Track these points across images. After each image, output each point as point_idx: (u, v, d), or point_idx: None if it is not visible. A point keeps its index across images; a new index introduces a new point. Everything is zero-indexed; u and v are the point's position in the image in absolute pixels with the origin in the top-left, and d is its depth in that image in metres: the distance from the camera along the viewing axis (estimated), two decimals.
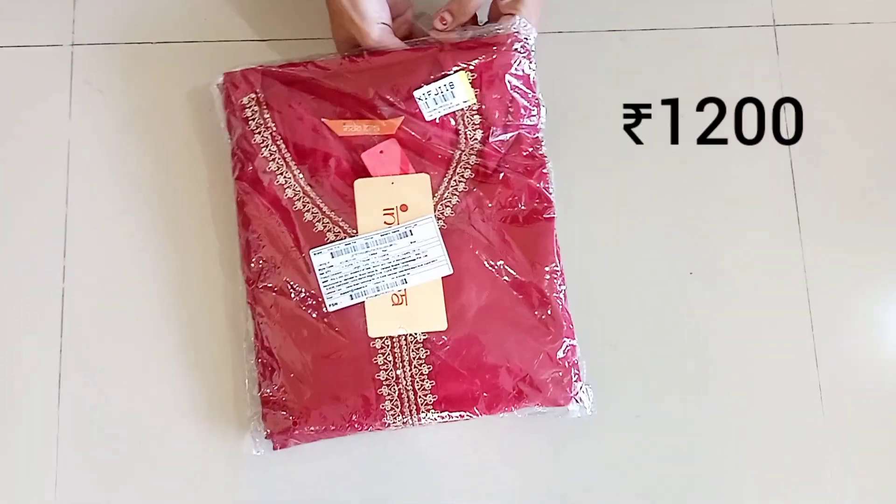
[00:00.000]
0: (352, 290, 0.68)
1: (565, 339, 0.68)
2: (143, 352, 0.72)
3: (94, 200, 0.74)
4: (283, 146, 0.71)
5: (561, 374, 0.68)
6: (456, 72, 0.71)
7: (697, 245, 0.74)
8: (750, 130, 0.77)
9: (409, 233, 0.69)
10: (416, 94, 0.71)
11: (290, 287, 0.68)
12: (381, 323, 0.68)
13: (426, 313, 0.68)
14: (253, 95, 0.71)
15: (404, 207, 0.70)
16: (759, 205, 0.75)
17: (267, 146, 0.71)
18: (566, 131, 0.76)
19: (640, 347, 0.72)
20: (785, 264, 0.74)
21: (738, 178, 0.76)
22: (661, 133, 0.77)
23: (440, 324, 0.68)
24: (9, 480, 0.70)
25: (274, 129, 0.71)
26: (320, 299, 0.68)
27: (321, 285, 0.68)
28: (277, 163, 0.70)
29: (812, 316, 0.73)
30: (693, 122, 0.77)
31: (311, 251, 0.69)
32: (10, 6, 0.77)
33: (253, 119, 0.71)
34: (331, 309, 0.68)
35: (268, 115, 0.71)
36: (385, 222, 0.69)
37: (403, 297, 0.68)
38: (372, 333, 0.68)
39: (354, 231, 0.69)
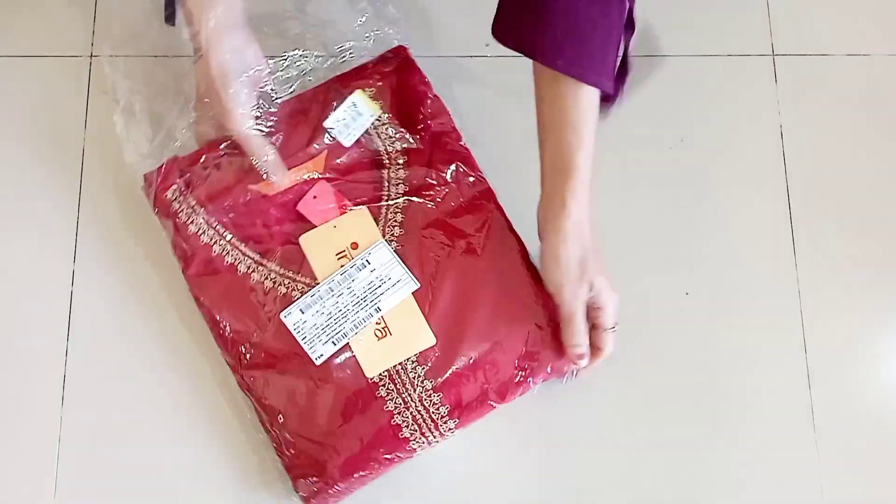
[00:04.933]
0: (332, 337, 0.68)
1: (542, 306, 0.68)
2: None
3: (106, 210, 0.76)
4: (220, 228, 0.70)
5: (552, 337, 0.68)
6: (352, 93, 0.72)
7: (694, 265, 0.75)
8: (747, 157, 0.78)
9: (366, 263, 0.69)
10: (327, 124, 0.71)
11: (273, 357, 0.68)
12: (375, 361, 0.68)
13: (412, 335, 0.68)
14: (175, 186, 0.70)
15: (355, 245, 0.70)
16: (755, 229, 0.76)
17: (204, 232, 0.70)
18: None
19: (638, 363, 0.73)
20: (780, 288, 0.75)
21: (735, 199, 0.77)
22: (660, 156, 0.78)
23: (428, 339, 0.68)
24: None
25: (205, 213, 0.70)
26: (306, 357, 0.67)
27: (301, 343, 0.67)
28: (221, 245, 0.70)
29: (805, 336, 0.74)
30: (690, 146, 0.78)
31: (281, 315, 0.68)
32: (30, 18, 0.80)
33: (182, 211, 0.70)
34: (318, 362, 0.67)
35: (194, 202, 0.70)
36: (341, 265, 0.69)
37: (386, 330, 0.68)
38: (370, 374, 0.67)
39: (316, 282, 0.69)
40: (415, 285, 0.69)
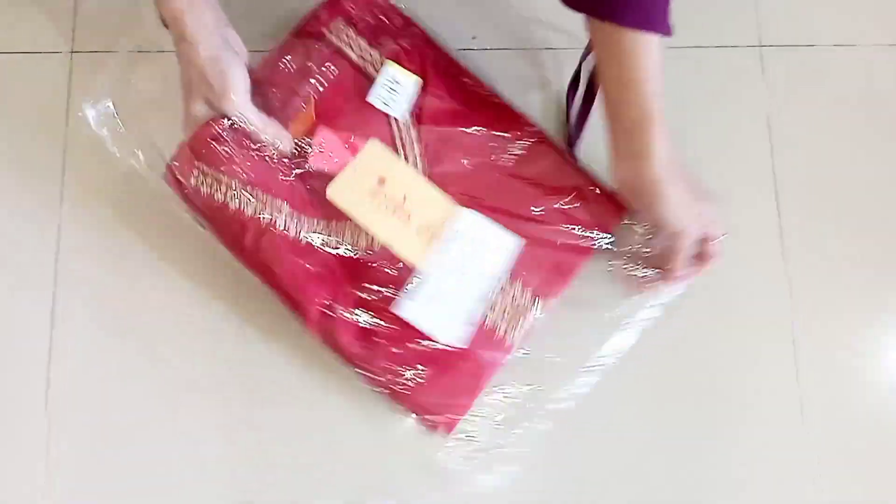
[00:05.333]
0: (466, 319, 0.68)
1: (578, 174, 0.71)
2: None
3: (88, 206, 0.75)
4: (262, 195, 0.69)
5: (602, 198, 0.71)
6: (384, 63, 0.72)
7: None
8: (733, 149, 0.78)
9: (456, 234, 0.69)
10: (370, 100, 0.71)
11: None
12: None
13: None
14: (196, 171, 0.69)
15: (382, 180, 0.70)
16: (743, 226, 0.75)
17: (248, 203, 0.68)
18: None
19: (637, 363, 0.72)
20: (771, 287, 0.75)
21: (721, 196, 0.76)
22: None
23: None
24: None
25: (240, 186, 0.68)
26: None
27: (431, 332, 0.68)
28: (269, 212, 0.68)
29: (795, 335, 0.74)
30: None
31: (393, 309, 0.68)
32: (11, 13, 0.79)
33: (217, 192, 0.68)
34: (462, 345, 0.68)
35: (224, 178, 0.68)
36: (377, 204, 0.69)
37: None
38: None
39: (359, 231, 0.69)
40: (515, 241, 0.70)
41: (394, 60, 0.72)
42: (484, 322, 0.68)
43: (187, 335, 0.73)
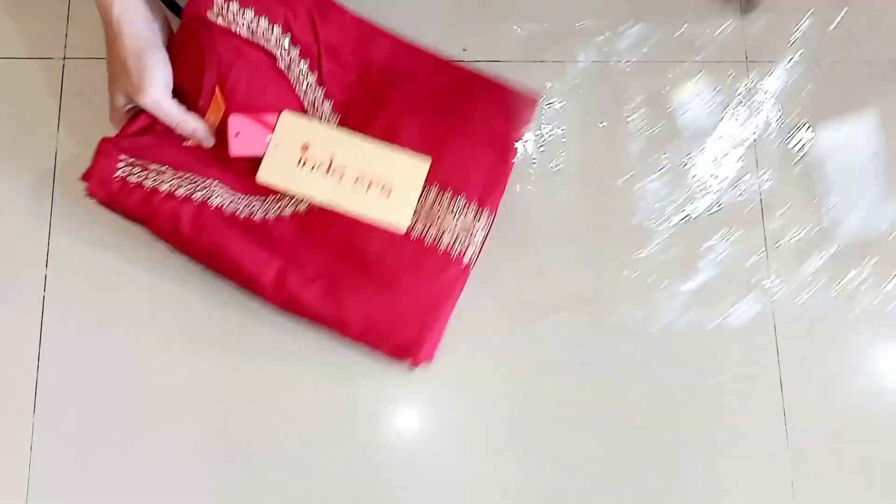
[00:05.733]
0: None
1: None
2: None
3: (78, 215, 0.75)
4: (197, 178, 0.69)
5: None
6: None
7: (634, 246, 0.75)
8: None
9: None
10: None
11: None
12: (401, 215, 0.70)
13: (408, 170, 0.71)
14: (122, 164, 0.69)
15: (305, 146, 0.70)
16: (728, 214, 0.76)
17: (183, 187, 0.69)
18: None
19: (611, 366, 0.73)
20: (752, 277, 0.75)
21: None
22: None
23: (422, 162, 0.71)
24: None
25: (172, 172, 0.69)
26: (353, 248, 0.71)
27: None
28: (207, 193, 0.69)
29: (777, 329, 0.74)
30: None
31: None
32: (4, 20, 0.79)
33: (148, 178, 0.69)
34: None
35: (153, 165, 0.69)
36: (309, 168, 0.70)
37: (387, 185, 0.70)
38: (405, 224, 0.70)
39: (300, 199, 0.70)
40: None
41: (282, 27, 0.71)
42: (437, 247, 0.69)
43: (174, 333, 0.73)
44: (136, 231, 0.73)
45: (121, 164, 0.68)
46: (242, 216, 0.69)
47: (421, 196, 0.70)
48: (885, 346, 0.74)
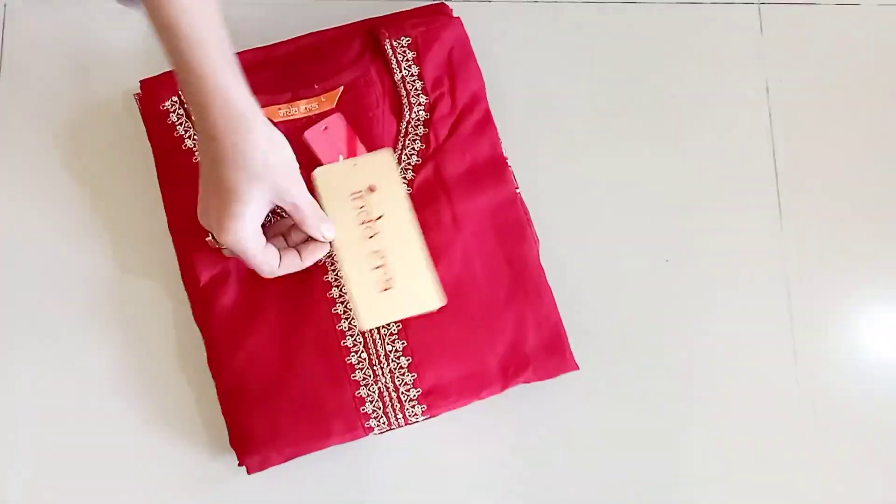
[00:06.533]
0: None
1: (544, 299, 0.65)
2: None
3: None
4: None
5: (549, 339, 0.65)
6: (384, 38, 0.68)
7: (675, 233, 0.71)
8: (730, 115, 0.73)
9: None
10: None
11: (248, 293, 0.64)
12: (373, 313, 0.62)
13: (418, 293, 0.63)
14: (175, 98, 0.66)
15: (372, 188, 0.65)
16: (740, 190, 0.72)
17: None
18: (538, 107, 0.72)
19: (614, 337, 0.69)
20: (765, 255, 0.71)
21: (717, 158, 0.73)
22: (641, 113, 0.73)
23: (434, 300, 0.63)
24: None
25: None
26: (289, 292, 0.64)
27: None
28: None
29: (791, 309, 0.70)
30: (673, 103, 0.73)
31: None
32: None
33: (180, 123, 0.66)
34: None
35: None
36: (355, 206, 0.64)
37: (391, 281, 0.63)
38: (364, 327, 0.63)
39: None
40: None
41: (432, 104, 0.68)
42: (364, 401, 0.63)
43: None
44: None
45: (172, 102, 0.66)
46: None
47: (384, 335, 0.64)
48: None
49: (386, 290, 0.63)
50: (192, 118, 0.64)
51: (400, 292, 0.63)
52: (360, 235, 0.64)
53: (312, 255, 0.62)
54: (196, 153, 0.65)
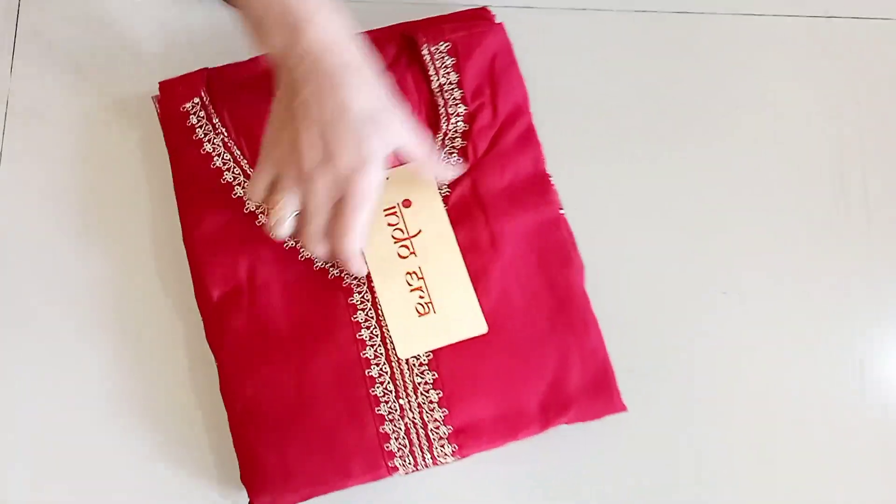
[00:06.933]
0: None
1: (590, 332, 0.60)
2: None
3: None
4: (239, 154, 0.61)
5: (595, 376, 0.59)
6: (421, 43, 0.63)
7: (727, 261, 0.65)
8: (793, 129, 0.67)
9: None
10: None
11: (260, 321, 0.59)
12: (412, 340, 0.57)
13: (460, 317, 0.58)
14: (197, 100, 0.62)
15: (407, 203, 0.60)
16: (805, 209, 0.66)
17: (220, 155, 0.61)
18: (578, 119, 0.67)
19: (662, 374, 0.63)
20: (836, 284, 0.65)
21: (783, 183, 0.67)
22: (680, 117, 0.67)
23: (479, 326, 0.58)
24: None
25: (226, 135, 0.61)
26: (308, 325, 0.59)
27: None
28: (234, 173, 0.60)
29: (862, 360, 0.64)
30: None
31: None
32: None
33: (200, 126, 0.61)
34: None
35: (217, 120, 0.61)
36: (388, 223, 0.59)
37: (430, 305, 0.58)
38: (403, 355, 0.58)
39: None
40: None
41: (471, 114, 0.62)
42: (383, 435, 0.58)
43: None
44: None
45: (195, 100, 0.62)
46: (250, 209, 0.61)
47: (414, 367, 0.58)
48: None
49: (424, 314, 0.58)
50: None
51: (441, 316, 0.58)
52: (395, 254, 0.59)
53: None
54: (214, 157, 0.61)
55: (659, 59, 0.68)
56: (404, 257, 0.59)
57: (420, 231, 0.59)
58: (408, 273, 0.58)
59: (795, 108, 0.68)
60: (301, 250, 0.60)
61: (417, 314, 0.58)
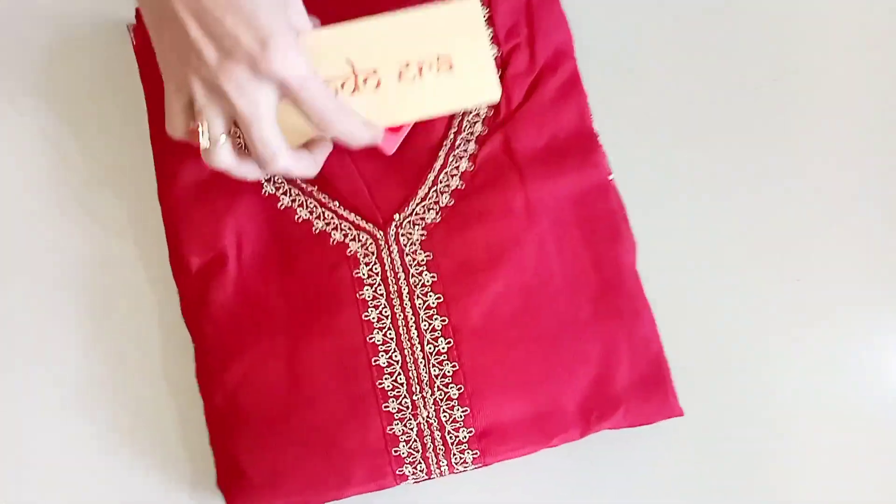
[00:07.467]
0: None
1: (643, 319, 0.52)
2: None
3: None
4: None
5: (647, 373, 0.51)
6: None
7: (803, 244, 0.56)
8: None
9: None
10: None
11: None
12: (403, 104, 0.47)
13: (475, 80, 0.47)
14: None
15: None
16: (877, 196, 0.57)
17: None
18: (627, 78, 0.57)
19: (720, 374, 0.54)
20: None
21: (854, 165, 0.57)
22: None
23: (493, 92, 0.48)
24: None
25: None
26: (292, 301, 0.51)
27: None
28: None
29: None
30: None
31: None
32: None
33: None
34: None
35: None
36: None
37: (438, 63, 0.47)
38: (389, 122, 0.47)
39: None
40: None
41: (504, 58, 0.54)
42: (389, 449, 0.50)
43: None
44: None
45: None
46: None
47: (428, 356, 0.51)
48: None
49: (451, 64, 0.47)
50: None
51: (457, 48, 0.47)
52: (373, 92, 0.47)
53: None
54: None
55: (729, 16, 0.58)
56: (378, 84, 0.47)
57: (349, 61, 0.47)
58: (399, 79, 0.47)
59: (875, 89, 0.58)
60: (297, 210, 0.51)
61: (448, 73, 0.47)
